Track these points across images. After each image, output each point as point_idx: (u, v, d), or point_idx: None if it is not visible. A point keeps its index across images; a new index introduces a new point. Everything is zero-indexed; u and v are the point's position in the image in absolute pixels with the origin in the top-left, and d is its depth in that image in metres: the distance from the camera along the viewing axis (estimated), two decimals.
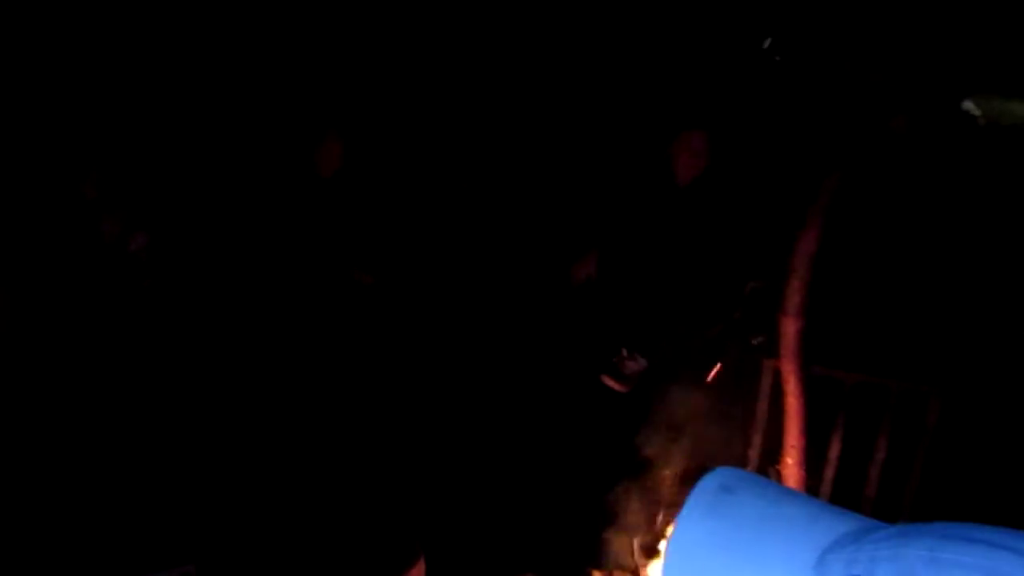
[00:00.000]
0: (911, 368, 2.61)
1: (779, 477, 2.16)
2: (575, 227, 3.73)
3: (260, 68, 4.00)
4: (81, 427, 2.97)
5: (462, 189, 4.24)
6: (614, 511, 2.38)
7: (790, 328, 2.08)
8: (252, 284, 3.66)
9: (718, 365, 2.81)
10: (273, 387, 3.40)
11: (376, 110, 4.12)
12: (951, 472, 2.66)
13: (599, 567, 2.16)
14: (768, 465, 2.40)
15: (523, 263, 4.07)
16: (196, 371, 3.36)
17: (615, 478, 2.58)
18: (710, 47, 3.99)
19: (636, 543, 2.11)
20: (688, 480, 2.12)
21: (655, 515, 2.10)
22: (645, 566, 2.02)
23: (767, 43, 3.94)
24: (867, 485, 2.62)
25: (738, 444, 2.63)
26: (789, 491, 0.71)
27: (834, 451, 2.60)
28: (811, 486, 2.29)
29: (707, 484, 0.68)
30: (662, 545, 1.99)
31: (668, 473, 2.43)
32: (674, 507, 2.05)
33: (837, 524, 0.61)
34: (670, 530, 0.68)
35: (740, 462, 2.59)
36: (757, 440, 2.66)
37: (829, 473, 2.60)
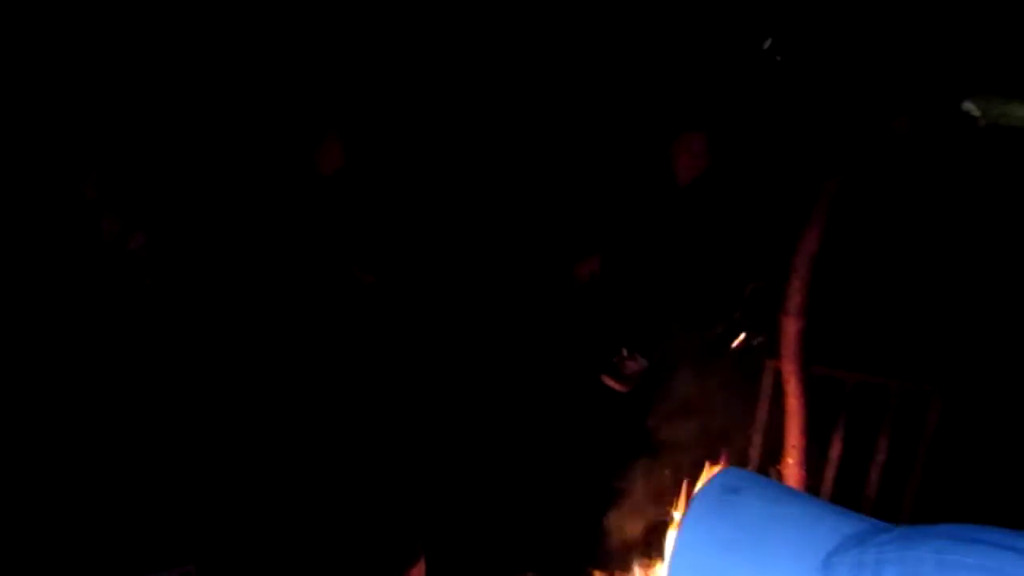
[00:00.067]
0: (912, 368, 2.61)
1: (780, 477, 2.16)
2: (576, 227, 3.73)
3: (260, 67, 4.00)
4: (81, 427, 2.97)
5: (463, 189, 4.24)
6: (615, 510, 2.38)
7: (791, 328, 2.07)
8: (253, 283, 3.66)
9: (742, 336, 2.80)
10: (274, 386, 3.39)
11: (377, 110, 4.12)
12: (952, 472, 2.66)
13: (600, 567, 2.15)
14: (769, 465, 2.40)
15: (523, 264, 4.07)
16: (196, 370, 3.36)
17: (616, 477, 2.59)
18: (710, 48, 3.98)
19: (637, 543, 2.11)
20: (690, 480, 2.12)
21: (656, 514, 2.10)
22: (647, 566, 2.01)
23: (767, 44, 3.94)
24: (868, 485, 2.62)
25: (739, 444, 2.63)
26: (794, 492, 0.71)
27: (835, 451, 2.60)
28: (812, 486, 2.29)
29: (712, 485, 0.68)
30: (665, 545, 1.98)
31: (669, 473, 2.43)
32: (676, 507, 2.04)
33: (842, 525, 0.61)
34: (675, 530, 0.67)
35: (741, 462, 2.60)
36: (758, 440, 2.66)
37: (830, 473, 2.60)
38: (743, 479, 0.69)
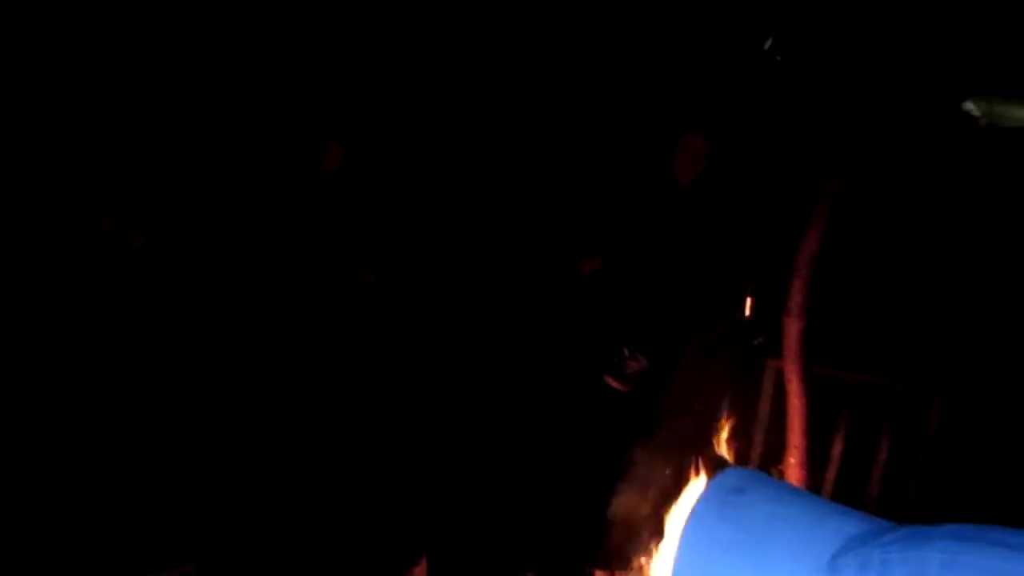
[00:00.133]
0: (913, 368, 2.61)
1: (781, 477, 2.15)
2: (577, 228, 3.72)
3: (261, 66, 4.00)
4: (82, 426, 2.97)
5: (464, 189, 4.24)
6: (616, 510, 2.38)
7: (793, 328, 2.07)
8: (253, 283, 3.66)
9: (760, 338, 2.80)
10: (275, 386, 3.39)
11: (378, 109, 4.12)
12: (953, 472, 2.66)
13: (601, 566, 2.15)
14: (771, 465, 2.40)
15: (524, 264, 4.06)
16: (197, 370, 3.36)
17: (616, 476, 2.59)
18: (711, 48, 3.98)
19: (638, 542, 2.11)
20: (691, 479, 2.12)
21: (658, 514, 2.09)
22: (648, 566, 2.01)
23: (768, 44, 3.94)
24: (869, 485, 2.62)
25: (741, 443, 2.63)
26: (799, 492, 0.71)
27: (836, 451, 2.60)
28: (813, 486, 2.29)
29: (718, 484, 0.68)
30: (668, 544, 1.98)
31: (670, 472, 2.43)
32: (677, 506, 2.04)
33: (847, 525, 0.61)
34: (680, 529, 0.67)
35: (743, 462, 2.59)
36: (760, 439, 2.66)
37: (832, 473, 2.60)
38: (749, 479, 0.69)
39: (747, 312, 2.99)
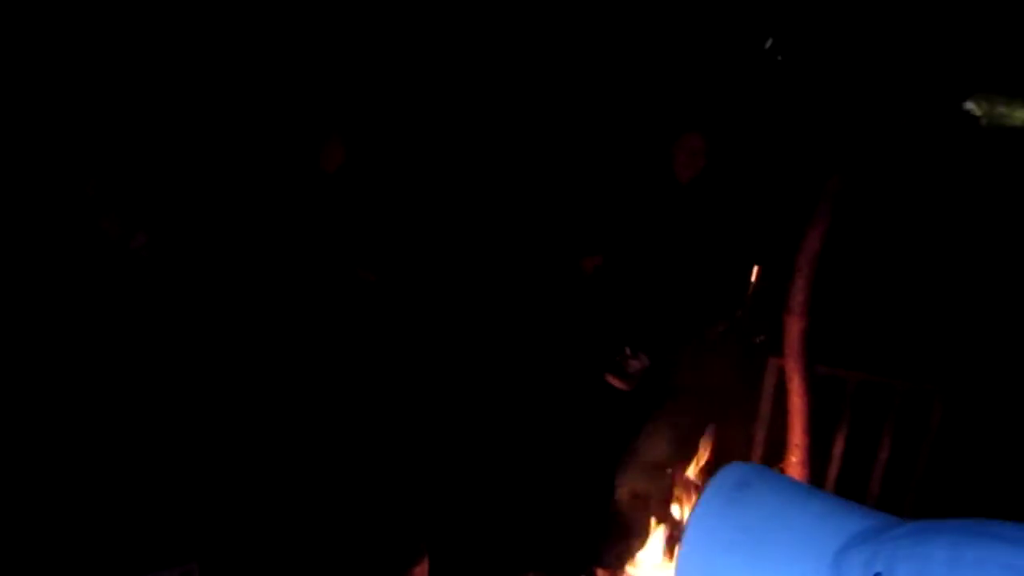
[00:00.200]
0: (915, 367, 2.61)
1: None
2: (578, 227, 3.73)
3: (262, 66, 4.00)
4: (84, 426, 2.97)
5: (465, 187, 4.24)
6: (618, 509, 2.38)
7: (794, 327, 2.07)
8: (255, 282, 3.66)
9: (762, 337, 2.80)
10: (276, 385, 3.39)
11: (379, 107, 4.12)
12: (954, 471, 2.66)
13: (603, 566, 2.15)
14: (772, 463, 2.40)
15: (525, 263, 4.07)
16: (198, 369, 3.36)
17: (618, 476, 2.59)
18: (713, 47, 3.99)
19: (641, 541, 2.11)
20: (691, 477, 2.12)
21: (660, 513, 2.10)
22: (651, 565, 2.01)
23: (769, 44, 3.94)
24: (870, 484, 2.62)
25: (742, 442, 2.63)
26: (805, 486, 0.71)
27: (838, 450, 2.60)
28: (814, 484, 2.29)
29: (723, 479, 0.67)
30: (671, 542, 1.99)
31: (672, 471, 2.43)
32: (678, 504, 2.05)
33: (852, 520, 0.61)
34: (684, 525, 0.67)
35: (744, 460, 2.59)
36: (761, 438, 2.66)
37: (833, 472, 2.60)
38: (754, 473, 0.69)
39: (748, 311, 3.00)
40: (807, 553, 0.59)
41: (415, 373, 3.63)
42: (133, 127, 3.65)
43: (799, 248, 2.06)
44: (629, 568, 2.04)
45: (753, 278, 3.01)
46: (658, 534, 2.04)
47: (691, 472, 2.29)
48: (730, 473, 0.68)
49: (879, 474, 2.60)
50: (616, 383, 3.26)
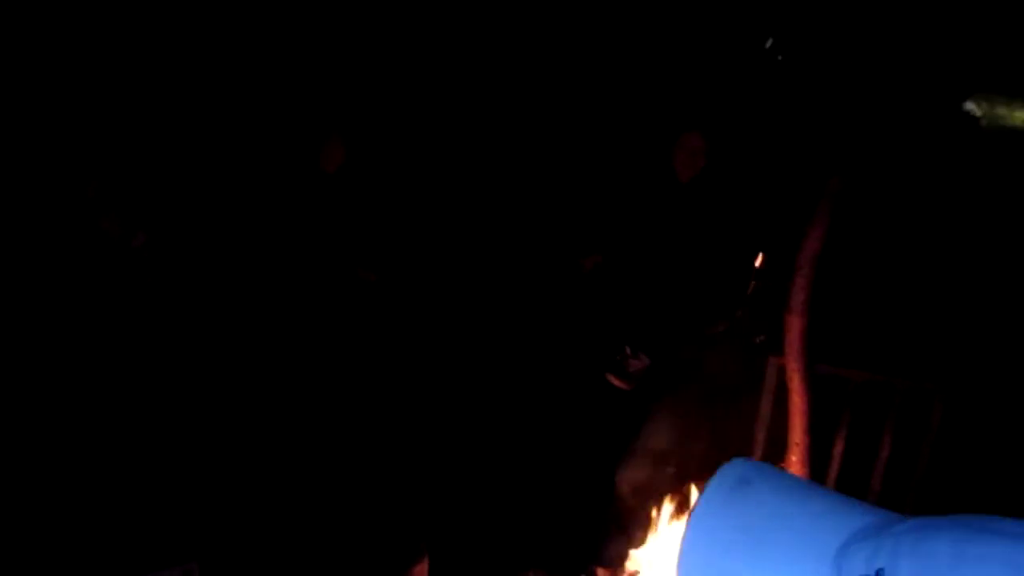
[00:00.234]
0: (915, 367, 2.61)
1: None
2: (578, 226, 3.73)
3: (262, 65, 4.00)
4: (82, 426, 2.97)
5: (466, 187, 4.24)
6: (618, 508, 2.38)
7: (795, 326, 2.07)
8: (255, 282, 3.66)
9: (762, 336, 2.80)
10: (276, 385, 3.39)
11: (379, 107, 4.12)
12: (954, 471, 2.66)
13: (603, 564, 2.15)
14: (772, 462, 2.40)
15: (526, 263, 4.07)
16: (198, 369, 3.36)
17: (619, 475, 2.59)
18: (713, 47, 3.99)
19: (640, 539, 2.11)
20: (692, 476, 2.12)
21: (660, 512, 2.09)
22: (651, 562, 2.01)
23: (769, 43, 3.94)
24: (871, 483, 2.62)
25: (742, 441, 2.63)
26: (807, 483, 0.71)
27: (838, 449, 2.60)
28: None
29: (724, 475, 0.67)
30: (673, 536, 1.98)
31: (672, 470, 2.43)
32: (679, 503, 2.04)
33: (855, 517, 0.61)
34: (686, 520, 0.67)
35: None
36: (761, 437, 2.66)
37: (833, 471, 2.59)
38: (756, 470, 0.69)
39: (748, 310, 3.00)
40: (810, 548, 0.59)
41: (415, 372, 3.63)
42: (133, 128, 3.65)
43: (799, 248, 2.07)
44: (629, 566, 2.04)
45: (755, 269, 3.01)
46: (658, 531, 2.04)
47: (691, 467, 2.29)
48: (731, 470, 0.68)
49: (880, 473, 2.60)
50: (616, 382, 3.26)
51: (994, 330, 3.15)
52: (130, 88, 3.68)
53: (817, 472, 2.26)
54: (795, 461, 2.15)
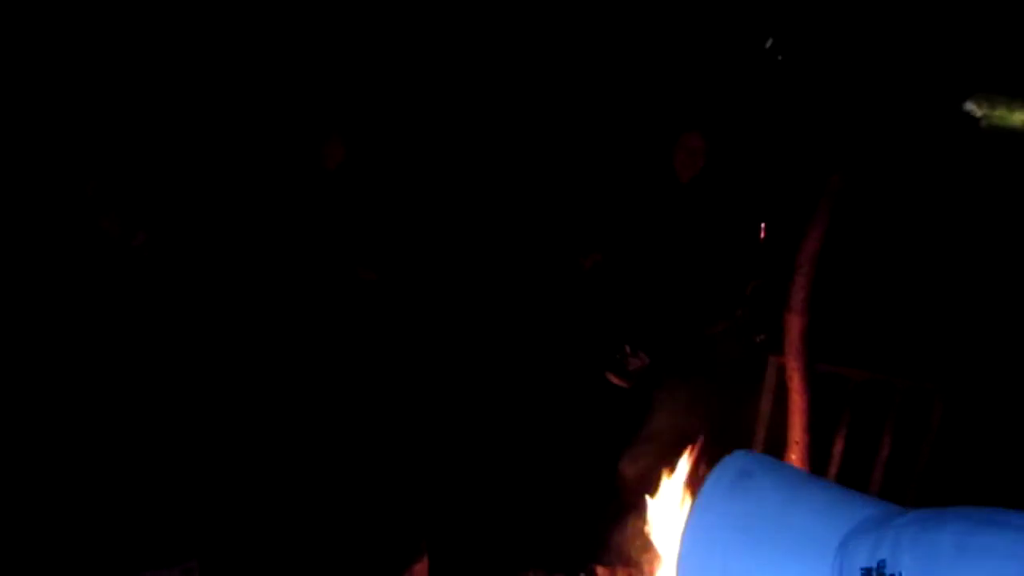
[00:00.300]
0: (915, 366, 2.61)
1: None
2: (578, 226, 3.73)
3: (262, 65, 4.00)
4: (82, 425, 2.96)
5: (466, 187, 4.24)
6: (618, 506, 2.38)
7: (795, 325, 2.07)
8: (255, 281, 3.66)
9: (762, 335, 2.80)
10: (276, 384, 3.39)
11: (380, 106, 4.12)
12: (954, 470, 2.66)
13: (604, 563, 2.15)
14: None
15: (526, 262, 4.07)
16: (198, 368, 3.36)
17: (618, 473, 2.58)
18: (714, 47, 3.99)
19: (640, 537, 2.10)
20: (692, 474, 2.12)
21: (659, 509, 2.09)
22: (651, 560, 2.01)
23: (769, 43, 3.95)
24: (871, 482, 2.62)
25: (743, 440, 2.63)
26: (808, 475, 0.70)
27: (838, 448, 2.60)
28: None
29: (726, 468, 0.67)
30: (674, 530, 1.98)
31: (672, 469, 2.42)
32: (679, 500, 2.04)
33: (858, 509, 0.61)
34: (688, 512, 0.67)
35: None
36: (761, 435, 2.66)
37: (833, 470, 2.59)
38: (758, 462, 0.69)
39: (748, 310, 3.00)
40: (814, 540, 0.59)
41: (415, 372, 3.63)
42: (133, 127, 3.65)
43: (799, 247, 2.06)
44: (628, 564, 2.04)
45: (753, 277, 3.01)
46: (658, 528, 2.04)
47: (691, 466, 2.29)
48: (732, 463, 0.68)
49: (879, 473, 2.60)
50: (616, 381, 3.27)
51: (994, 330, 3.16)
52: (130, 87, 3.68)
53: (817, 471, 2.26)
54: (795, 460, 2.14)
